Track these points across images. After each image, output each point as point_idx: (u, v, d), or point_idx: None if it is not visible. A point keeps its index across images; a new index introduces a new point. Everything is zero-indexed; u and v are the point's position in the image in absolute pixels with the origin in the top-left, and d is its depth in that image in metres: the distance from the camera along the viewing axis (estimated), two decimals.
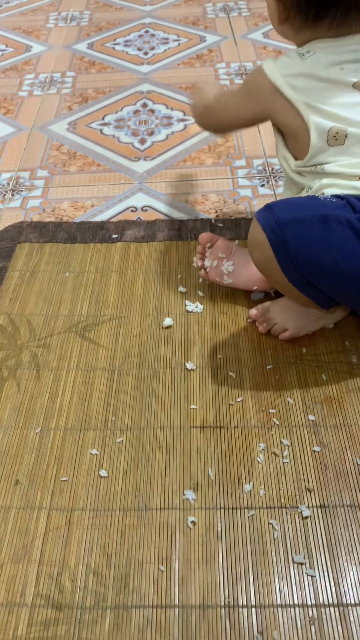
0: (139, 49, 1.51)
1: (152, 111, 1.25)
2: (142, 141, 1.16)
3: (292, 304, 0.74)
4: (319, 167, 0.70)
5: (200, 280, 0.84)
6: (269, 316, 0.76)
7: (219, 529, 0.58)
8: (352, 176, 0.67)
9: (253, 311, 0.78)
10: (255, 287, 0.80)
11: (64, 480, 0.63)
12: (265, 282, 0.78)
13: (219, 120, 0.82)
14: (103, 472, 0.63)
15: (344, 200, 0.65)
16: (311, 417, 0.67)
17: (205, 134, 1.16)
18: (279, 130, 0.75)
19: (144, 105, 1.27)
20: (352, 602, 0.53)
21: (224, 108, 0.80)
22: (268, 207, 0.66)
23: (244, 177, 1.05)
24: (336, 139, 0.68)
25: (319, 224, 0.63)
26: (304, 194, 0.73)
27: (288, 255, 0.64)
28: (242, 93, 0.77)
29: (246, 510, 0.59)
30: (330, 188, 0.68)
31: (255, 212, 0.67)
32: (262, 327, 0.76)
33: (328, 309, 0.71)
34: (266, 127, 0.83)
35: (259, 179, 1.04)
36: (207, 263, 0.80)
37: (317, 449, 0.64)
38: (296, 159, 0.73)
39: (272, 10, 0.74)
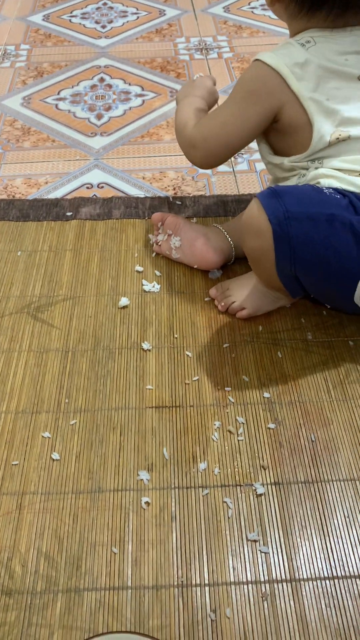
0: (97, 22, 1.46)
1: (110, 86, 1.21)
2: (99, 116, 1.13)
3: (251, 284, 0.74)
4: (317, 161, 0.67)
5: (154, 254, 0.83)
6: (227, 294, 0.75)
7: (173, 508, 0.57)
8: (352, 171, 0.65)
9: (212, 290, 0.77)
10: (195, 266, 0.80)
11: (15, 464, 0.61)
12: (206, 261, 0.78)
13: (223, 142, 0.70)
14: (55, 455, 0.61)
15: (347, 198, 0.63)
16: (266, 395, 0.67)
17: (164, 108, 1.14)
18: (264, 134, 0.72)
19: (101, 80, 1.24)
20: (305, 576, 0.53)
21: (224, 128, 0.69)
22: (275, 194, 0.61)
23: None
24: (338, 140, 0.66)
25: (326, 224, 0.61)
26: (294, 180, 0.70)
27: (290, 252, 0.61)
28: (242, 99, 0.68)
29: (200, 489, 0.59)
30: (327, 179, 0.66)
31: (258, 194, 0.63)
32: (220, 305, 0.76)
33: (295, 297, 0.70)
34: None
35: None
36: (159, 237, 0.82)
37: (271, 426, 0.64)
38: (288, 154, 0.69)
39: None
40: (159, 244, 0.82)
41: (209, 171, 0.99)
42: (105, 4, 1.55)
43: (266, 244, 0.62)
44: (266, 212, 0.61)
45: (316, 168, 0.67)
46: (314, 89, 0.66)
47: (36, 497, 0.59)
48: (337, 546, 0.55)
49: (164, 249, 0.82)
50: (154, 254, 0.83)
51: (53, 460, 0.61)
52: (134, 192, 0.95)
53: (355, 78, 0.66)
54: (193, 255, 0.80)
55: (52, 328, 0.74)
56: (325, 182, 0.65)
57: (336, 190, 0.64)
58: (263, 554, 0.54)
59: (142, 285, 0.80)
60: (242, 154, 1.02)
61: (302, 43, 0.67)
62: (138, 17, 1.48)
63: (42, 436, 0.63)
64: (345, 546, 0.55)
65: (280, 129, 0.69)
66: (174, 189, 0.96)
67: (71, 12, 1.52)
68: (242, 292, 0.74)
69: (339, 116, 0.65)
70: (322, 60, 0.66)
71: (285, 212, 0.60)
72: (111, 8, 1.53)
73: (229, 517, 0.57)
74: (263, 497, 0.58)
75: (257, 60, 0.67)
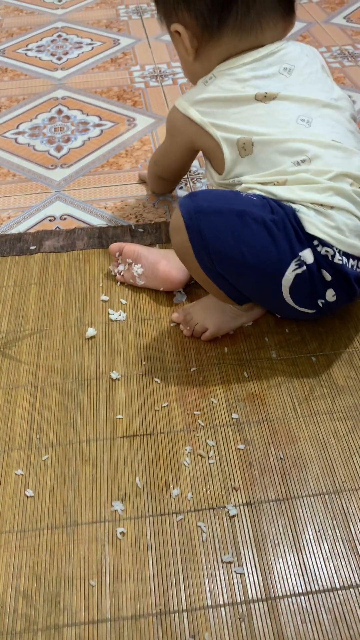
0: (52, 54, 1.49)
1: (68, 117, 1.23)
2: (59, 148, 1.14)
3: (210, 304, 0.75)
4: (236, 179, 0.72)
5: (119, 284, 0.84)
6: (189, 317, 0.77)
7: (149, 537, 0.58)
8: (266, 183, 0.69)
9: (175, 314, 0.79)
10: (161, 288, 0.82)
11: None
12: (170, 282, 0.81)
13: (165, 166, 0.90)
14: (29, 492, 0.62)
15: (265, 200, 0.67)
16: (235, 416, 0.68)
17: (123, 137, 1.16)
18: (207, 156, 0.78)
19: (59, 111, 1.26)
20: (280, 594, 0.54)
21: (164, 156, 0.88)
22: (191, 194, 0.68)
23: None
24: (245, 149, 0.70)
25: (236, 217, 0.65)
26: None
27: (202, 243, 0.66)
28: (167, 136, 0.83)
29: (174, 515, 0.60)
30: (250, 190, 0.70)
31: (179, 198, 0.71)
32: (185, 330, 0.77)
33: (241, 304, 0.72)
34: None
35: (180, 188, 1.04)
36: (120, 268, 0.84)
37: (241, 446, 0.65)
38: (219, 174, 0.75)
39: (184, 49, 0.76)
40: (121, 274, 0.84)
41: (169, 197, 1.01)
42: (60, 35, 1.58)
43: (184, 237, 0.67)
44: (180, 209, 0.67)
45: (240, 184, 0.72)
46: (216, 118, 0.73)
47: (12, 535, 0.59)
48: (309, 561, 0.56)
49: (127, 277, 0.84)
50: (118, 283, 0.85)
51: (27, 497, 0.62)
52: (97, 222, 0.97)
53: (252, 99, 0.71)
54: (157, 278, 0.82)
55: (20, 364, 0.75)
56: (250, 192, 0.70)
57: (257, 195, 0.68)
58: (238, 575, 0.56)
59: (109, 314, 0.81)
60: (201, 179, 1.04)
61: (205, 81, 0.75)
62: (93, 48, 1.51)
63: (15, 473, 0.64)
64: (318, 560, 0.57)
65: (207, 154, 0.78)
66: (136, 216, 0.98)
67: (27, 46, 1.54)
68: (203, 314, 0.76)
69: (239, 131, 0.71)
70: (219, 92, 0.73)
71: (195, 206, 0.66)
72: (66, 40, 1.56)
73: (203, 541, 0.58)
74: (236, 518, 0.60)
75: (174, 105, 0.78)
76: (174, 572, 0.56)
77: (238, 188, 0.72)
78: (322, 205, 0.65)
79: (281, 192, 0.67)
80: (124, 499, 0.61)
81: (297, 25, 1.55)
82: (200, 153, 0.81)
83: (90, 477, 0.63)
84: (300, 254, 0.65)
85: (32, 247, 0.91)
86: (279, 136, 0.69)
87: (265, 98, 0.71)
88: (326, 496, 0.61)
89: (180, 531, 0.59)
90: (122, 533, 0.59)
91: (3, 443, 0.66)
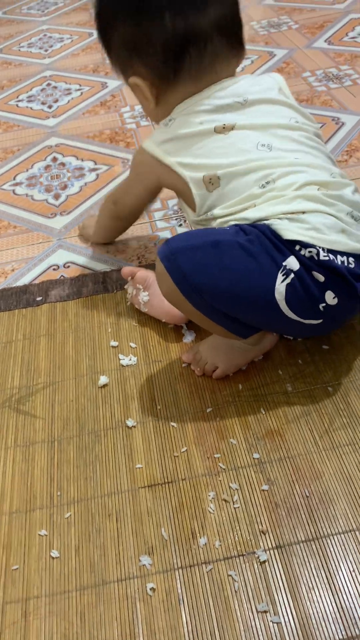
0: (43, 103, 1.52)
1: (63, 164, 1.25)
2: (57, 196, 1.16)
3: (218, 342, 0.75)
4: (209, 213, 0.73)
5: (128, 303, 0.84)
6: (199, 356, 0.76)
7: (179, 591, 0.57)
8: (237, 212, 0.70)
9: (185, 355, 0.78)
10: (163, 320, 0.83)
11: (15, 569, 0.60)
12: (173, 315, 0.81)
13: (126, 205, 0.90)
14: (54, 553, 0.61)
15: (238, 226, 0.68)
16: (256, 455, 0.67)
17: (119, 179, 1.17)
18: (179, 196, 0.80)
19: (54, 159, 1.27)
20: (320, 639, 0.53)
21: (125, 194, 0.89)
22: (166, 241, 0.69)
23: (161, 220, 1.06)
24: (212, 184, 0.72)
25: (211, 248, 0.65)
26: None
27: (186, 282, 0.65)
28: (133, 175, 0.85)
29: (204, 565, 0.58)
30: (227, 223, 0.71)
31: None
32: (196, 370, 0.77)
33: (246, 337, 0.72)
34: None
35: (175, 219, 1.05)
36: (129, 290, 0.86)
37: (265, 487, 0.64)
38: (193, 211, 0.76)
39: (144, 98, 0.78)
40: (131, 296, 0.87)
41: (169, 235, 1.02)
42: (49, 84, 1.61)
43: (169, 283, 0.67)
44: (158, 257, 0.67)
45: (214, 219, 0.72)
46: (180, 156, 0.74)
47: (40, 600, 0.58)
48: (347, 603, 0.55)
49: (134, 301, 0.86)
50: (128, 302, 0.88)
51: (53, 558, 0.61)
52: (100, 266, 0.97)
53: (212, 132, 0.73)
54: (162, 309, 0.82)
55: (35, 419, 0.74)
56: (227, 225, 0.70)
57: (229, 226, 0.69)
58: (275, 624, 0.54)
59: (119, 359, 0.81)
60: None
61: (166, 123, 0.77)
62: (82, 93, 1.54)
63: (39, 534, 0.63)
64: (356, 601, 0.55)
65: (176, 193, 0.79)
66: (138, 258, 0.98)
67: (17, 97, 1.57)
68: (213, 352, 0.76)
69: (204, 167, 0.72)
70: (181, 130, 0.74)
71: (171, 249, 0.66)
72: (55, 87, 1.59)
73: (236, 591, 0.56)
74: (267, 563, 0.58)
75: (140, 147, 0.80)
76: (209, 628, 0.54)
77: (214, 224, 0.73)
78: (292, 213, 0.66)
79: (252, 214, 0.68)
80: (151, 553, 0.60)
81: (280, 52, 1.57)
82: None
83: (115, 532, 0.62)
84: (283, 263, 0.64)
85: (39, 298, 0.92)
86: (243, 165, 0.70)
87: (224, 129, 0.73)
88: (357, 532, 0.59)
89: (212, 582, 0.57)
90: (152, 589, 0.57)
91: (25, 503, 0.65)
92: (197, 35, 0.71)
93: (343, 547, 0.59)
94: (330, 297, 0.66)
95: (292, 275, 0.64)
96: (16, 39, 1.97)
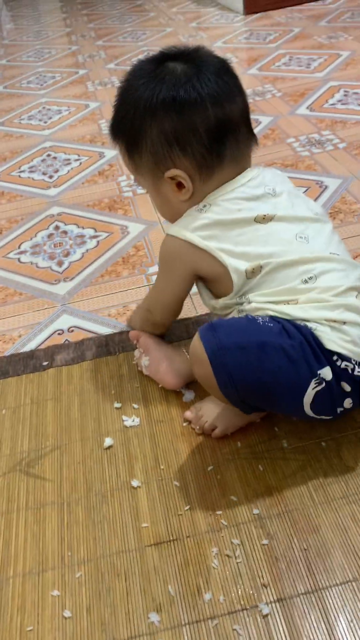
0: (44, 173, 1.61)
1: (65, 232, 1.33)
2: (60, 263, 1.23)
3: (219, 403, 0.80)
4: (244, 297, 0.75)
5: (138, 382, 0.89)
6: (200, 415, 0.81)
7: None
8: (277, 302, 0.72)
9: (187, 413, 0.83)
10: (160, 385, 0.88)
11: (30, 630, 0.63)
12: (166, 383, 0.87)
13: (161, 309, 0.87)
14: (67, 613, 0.64)
15: (280, 324, 0.69)
16: (255, 511, 0.71)
17: (118, 246, 1.24)
18: (201, 279, 0.80)
19: (57, 227, 1.35)
20: None
21: (159, 297, 0.86)
22: (212, 327, 0.69)
23: None
24: (254, 273, 0.73)
25: (257, 350, 0.67)
26: (234, 314, 0.77)
27: (228, 378, 0.67)
28: (164, 270, 0.82)
29: (210, 620, 0.61)
30: (260, 311, 0.72)
31: (199, 328, 0.71)
32: (196, 428, 0.81)
33: (249, 414, 0.76)
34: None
35: None
36: (136, 353, 0.93)
37: (265, 542, 0.67)
38: (220, 296, 0.77)
39: (171, 192, 0.78)
40: (136, 358, 0.93)
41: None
42: (49, 155, 1.71)
43: (207, 371, 0.68)
44: (203, 345, 0.68)
45: (249, 302, 0.74)
46: (220, 242, 0.74)
47: None
48: None
49: (138, 363, 0.92)
50: (135, 362, 0.94)
51: (65, 618, 0.64)
52: (103, 330, 1.03)
53: (252, 221, 0.74)
54: (157, 375, 0.88)
55: (45, 481, 0.78)
56: (259, 314, 0.72)
57: (271, 318, 0.70)
58: None
59: (123, 421, 0.85)
60: None
61: (200, 209, 0.76)
62: (80, 163, 1.63)
63: (52, 595, 0.66)
64: None
65: (207, 280, 0.79)
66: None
67: (19, 168, 1.67)
68: (213, 412, 0.80)
69: (247, 256, 0.73)
70: (219, 216, 0.75)
71: (218, 343, 0.67)
72: (55, 158, 1.69)
73: None
74: (269, 617, 0.61)
75: (167, 235, 0.78)
76: None
77: (247, 307, 0.74)
78: (335, 321, 0.69)
79: (295, 312, 0.70)
80: (159, 610, 0.63)
81: (265, 120, 1.68)
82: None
83: (124, 591, 0.65)
84: (319, 372, 0.67)
85: (45, 363, 0.97)
86: (284, 257, 0.72)
87: (265, 219, 0.74)
88: (354, 583, 0.63)
89: (218, 637, 0.60)
90: None
91: (37, 565, 0.69)
92: (232, 123, 0.74)
93: (341, 598, 0.62)
94: (348, 403, 0.71)
95: (324, 384, 0.68)
96: (17, 111, 2.10)
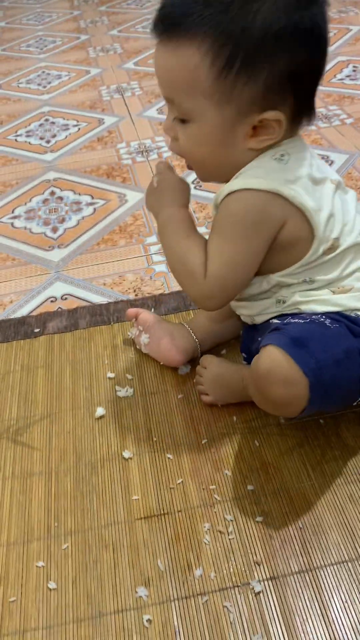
0: (41, 138, 1.56)
1: (61, 198, 1.28)
2: (54, 229, 1.19)
3: (220, 378, 0.77)
4: (307, 272, 0.65)
5: (132, 353, 0.86)
6: (200, 373, 0.79)
7: (176, 622, 0.58)
8: (340, 290, 0.66)
9: (198, 367, 0.81)
10: (161, 363, 0.85)
11: (13, 601, 0.61)
12: (170, 360, 0.83)
13: (238, 286, 0.67)
14: (52, 584, 0.62)
15: (342, 324, 0.64)
16: (250, 487, 0.68)
17: (115, 214, 1.20)
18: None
19: (52, 193, 1.31)
20: None
21: (240, 275, 0.65)
22: (299, 343, 0.60)
23: (156, 253, 1.09)
24: (331, 250, 0.65)
25: (346, 360, 0.61)
26: (268, 304, 0.69)
27: (324, 395, 0.61)
28: (244, 235, 0.63)
29: (200, 596, 0.59)
30: (306, 304, 0.66)
31: (277, 342, 0.60)
32: (195, 385, 0.81)
33: None
34: None
35: None
36: (132, 331, 0.89)
37: (259, 519, 0.65)
38: (275, 270, 0.66)
39: (242, 135, 0.61)
40: (133, 336, 0.88)
41: (165, 269, 1.04)
42: (47, 119, 1.66)
43: (299, 392, 0.59)
44: (298, 365, 0.58)
45: (310, 281, 0.66)
46: (312, 200, 0.62)
47: (38, 632, 0.58)
48: (340, 633, 0.56)
49: (136, 342, 0.88)
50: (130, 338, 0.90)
51: (50, 590, 0.61)
52: (97, 299, 1.00)
53: (328, 181, 0.65)
54: (159, 353, 0.84)
55: (33, 450, 0.76)
56: (305, 308, 0.66)
57: (327, 316, 0.64)
58: None
59: (116, 391, 0.82)
60: None
61: (278, 158, 0.62)
62: (79, 129, 1.58)
63: (37, 566, 0.63)
64: (348, 632, 0.56)
65: (275, 247, 0.64)
66: (134, 290, 1.01)
67: (16, 132, 1.61)
68: (211, 383, 0.78)
69: (338, 224, 0.64)
70: (304, 170, 0.63)
71: (317, 362, 0.59)
72: (53, 123, 1.64)
73: (231, 622, 0.57)
74: (261, 594, 0.59)
75: (243, 190, 0.61)
76: None
77: (291, 298, 0.67)
78: None
79: (349, 302, 0.65)
80: (147, 584, 0.61)
81: None
82: None
83: (111, 564, 0.63)
84: None
85: (36, 330, 0.94)
86: (356, 236, 0.66)
87: (337, 187, 0.66)
88: (349, 563, 0.61)
89: (207, 613, 0.58)
90: (149, 620, 0.58)
91: (23, 535, 0.66)
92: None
93: (336, 578, 0.60)
94: None
95: None
96: (15, 75, 2.03)
